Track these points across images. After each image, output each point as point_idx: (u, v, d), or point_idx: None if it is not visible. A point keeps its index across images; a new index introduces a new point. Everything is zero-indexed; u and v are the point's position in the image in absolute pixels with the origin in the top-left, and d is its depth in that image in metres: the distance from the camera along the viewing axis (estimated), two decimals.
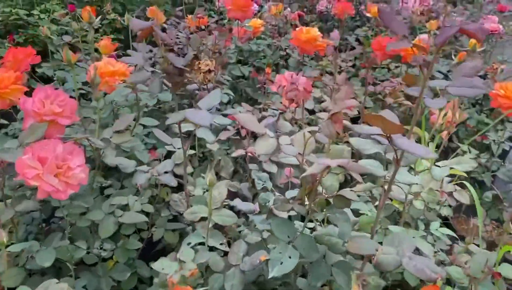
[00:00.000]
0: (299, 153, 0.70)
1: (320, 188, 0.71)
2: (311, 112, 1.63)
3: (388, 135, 0.59)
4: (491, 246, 1.26)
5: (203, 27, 2.09)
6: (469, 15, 2.68)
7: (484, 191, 1.44)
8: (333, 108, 0.62)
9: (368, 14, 2.05)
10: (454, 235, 1.05)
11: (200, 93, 1.25)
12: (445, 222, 1.38)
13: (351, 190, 0.73)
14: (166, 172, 0.85)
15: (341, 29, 2.64)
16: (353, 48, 2.31)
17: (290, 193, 0.76)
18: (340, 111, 0.61)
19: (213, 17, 2.57)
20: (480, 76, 1.86)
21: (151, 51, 0.95)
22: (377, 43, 1.71)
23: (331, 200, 0.72)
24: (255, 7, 2.72)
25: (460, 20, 2.21)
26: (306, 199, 0.72)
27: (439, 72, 1.99)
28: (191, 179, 1.08)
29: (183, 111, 0.73)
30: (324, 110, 1.32)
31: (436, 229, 1.03)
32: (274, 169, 0.88)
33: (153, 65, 1.67)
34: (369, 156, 0.76)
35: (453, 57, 1.68)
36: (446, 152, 1.63)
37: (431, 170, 0.82)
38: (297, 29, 1.65)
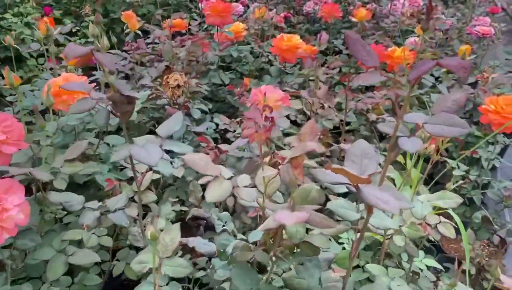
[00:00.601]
0: (261, 192, 0.62)
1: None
2: (294, 122, 1.55)
3: (354, 184, 0.51)
4: (480, 271, 1.19)
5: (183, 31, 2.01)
6: (460, 16, 2.60)
7: (475, 208, 1.37)
8: (293, 151, 0.54)
9: (353, 19, 1.97)
10: (439, 266, 0.97)
11: (168, 109, 1.16)
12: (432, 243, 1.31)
13: (321, 234, 0.65)
14: (119, 209, 0.77)
15: (329, 31, 2.55)
16: (340, 52, 2.23)
17: (255, 236, 0.68)
18: (302, 155, 0.53)
19: (196, 19, 2.48)
20: (470, 84, 1.78)
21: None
22: None
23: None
24: (241, 8, 2.63)
25: (450, 22, 2.13)
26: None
27: (432, 75, 1.91)
28: (155, 207, 0.99)
29: (128, 146, 0.64)
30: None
31: (421, 261, 0.96)
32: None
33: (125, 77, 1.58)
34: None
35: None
36: (434, 166, 1.56)
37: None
38: (278, 36, 1.57)
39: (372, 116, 1.16)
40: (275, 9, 2.46)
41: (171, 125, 0.82)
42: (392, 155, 0.57)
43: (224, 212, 0.72)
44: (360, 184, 0.51)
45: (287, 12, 2.71)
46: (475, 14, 2.57)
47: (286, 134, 1.34)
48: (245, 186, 0.61)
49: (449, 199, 0.75)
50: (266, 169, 0.58)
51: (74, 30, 2.60)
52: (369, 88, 1.83)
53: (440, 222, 0.84)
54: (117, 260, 0.98)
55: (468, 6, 2.86)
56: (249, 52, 1.93)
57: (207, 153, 1.02)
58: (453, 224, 0.85)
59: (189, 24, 2.01)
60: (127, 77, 1.64)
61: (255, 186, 0.63)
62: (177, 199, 1.08)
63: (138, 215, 0.77)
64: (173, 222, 1.04)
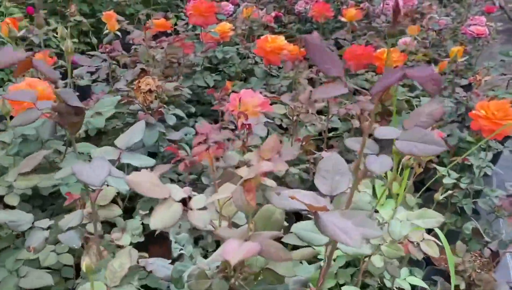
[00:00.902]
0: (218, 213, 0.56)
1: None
2: (280, 126, 1.49)
3: (313, 211, 0.45)
4: (471, 286, 1.13)
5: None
6: (455, 15, 2.54)
7: (467, 218, 1.31)
8: (247, 172, 0.47)
9: (343, 19, 1.90)
10: (425, 285, 0.91)
11: (139, 116, 1.10)
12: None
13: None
14: (72, 228, 0.70)
15: (322, 31, 2.49)
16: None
17: (214, 261, 0.62)
18: (256, 177, 0.47)
19: (184, 19, 2.42)
20: (463, 87, 1.72)
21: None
22: (350, 53, 1.57)
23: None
24: (230, 7, 2.56)
25: (444, 22, 2.07)
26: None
27: None
28: (121, 222, 0.93)
29: (73, 162, 0.58)
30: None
31: (405, 279, 0.90)
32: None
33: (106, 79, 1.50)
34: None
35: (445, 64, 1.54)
36: (424, 171, 1.50)
37: (389, 226, 0.68)
38: (261, 37, 1.51)
39: (357, 123, 1.10)
40: (265, 9, 2.40)
41: (132, 135, 0.76)
42: (360, 174, 0.51)
43: (183, 233, 0.66)
44: (319, 211, 0.45)
45: (278, 12, 2.65)
46: (470, 14, 2.50)
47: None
48: (201, 208, 0.54)
49: (429, 219, 0.68)
50: (222, 190, 0.52)
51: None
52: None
53: (423, 239, 0.78)
54: (81, 278, 0.92)
55: (464, 5, 2.80)
56: (235, 53, 1.86)
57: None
58: (438, 241, 0.79)
59: (176, 24, 1.95)
60: (107, 80, 1.58)
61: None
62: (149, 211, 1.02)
63: (94, 234, 0.71)
64: (146, 236, 0.98)
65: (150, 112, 1.12)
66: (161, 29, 1.86)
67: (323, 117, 1.28)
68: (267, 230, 0.55)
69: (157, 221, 0.50)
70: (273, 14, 2.64)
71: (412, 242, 0.78)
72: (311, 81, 1.69)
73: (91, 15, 2.75)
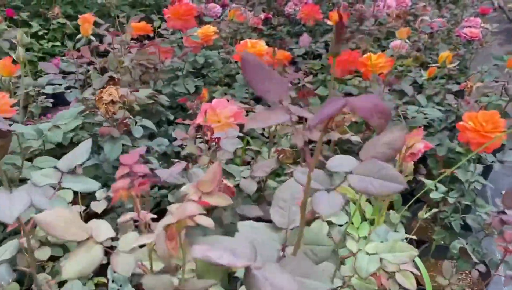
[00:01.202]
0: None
1: None
2: (263, 135, 1.42)
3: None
4: None
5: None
6: (450, 17, 2.47)
7: (456, 234, 1.23)
8: (172, 217, 0.40)
9: (329, 22, 1.83)
10: None
11: (100, 129, 1.02)
12: None
13: None
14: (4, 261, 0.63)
15: (313, 33, 2.42)
16: (318, 56, 2.09)
17: None
18: (181, 221, 0.39)
19: None
20: (456, 93, 1.64)
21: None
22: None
23: None
24: (218, 9, 2.49)
25: (436, 25, 1.99)
26: None
27: (416, 83, 1.77)
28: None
29: None
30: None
31: None
32: None
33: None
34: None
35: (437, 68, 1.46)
36: (414, 181, 1.42)
37: (355, 260, 0.61)
38: (242, 42, 1.43)
39: (335, 135, 1.03)
40: (253, 11, 2.33)
41: (75, 156, 0.69)
42: (309, 215, 0.44)
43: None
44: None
45: (267, 14, 2.57)
46: (466, 15, 2.43)
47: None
48: (127, 251, 0.47)
49: (400, 253, 0.61)
50: (144, 237, 0.44)
51: (41, 33, 2.47)
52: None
53: (399, 270, 0.71)
54: None
55: (459, 6, 2.72)
56: (218, 57, 1.79)
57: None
58: (416, 272, 0.72)
59: (159, 27, 1.88)
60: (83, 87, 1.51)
61: None
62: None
63: (30, 269, 0.64)
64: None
65: (115, 123, 1.05)
66: (141, 33, 1.79)
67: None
68: (208, 276, 0.48)
69: (70, 269, 0.43)
70: (262, 16, 2.57)
71: (387, 273, 0.71)
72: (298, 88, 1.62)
73: (76, 18, 2.67)
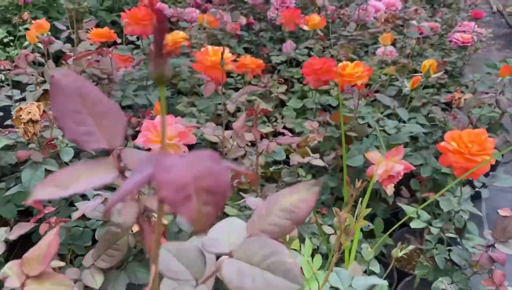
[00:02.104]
0: None
1: None
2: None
3: None
4: None
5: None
6: (442, 21, 2.32)
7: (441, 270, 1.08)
8: None
9: (305, 27, 1.68)
10: None
11: (18, 153, 0.88)
12: None
13: None
14: None
15: (294, 39, 2.27)
16: (297, 64, 1.95)
17: None
18: None
19: None
20: (445, 104, 1.49)
21: None
22: (308, 67, 1.35)
23: None
24: (197, 13, 2.34)
25: (424, 30, 1.84)
26: None
27: (399, 93, 1.63)
28: None
29: None
30: None
31: None
32: None
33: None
34: None
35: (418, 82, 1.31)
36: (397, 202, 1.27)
37: None
38: (202, 49, 1.28)
39: (294, 159, 0.88)
40: (229, 15, 2.18)
41: None
42: None
43: None
44: None
45: (249, 19, 2.43)
46: (459, 19, 2.28)
47: None
48: None
49: None
50: None
51: (6, 40, 2.33)
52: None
53: None
54: None
55: (453, 9, 2.57)
56: (187, 66, 1.65)
57: None
58: None
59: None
60: None
61: None
62: None
63: None
64: None
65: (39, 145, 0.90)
66: (102, 40, 1.65)
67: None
68: None
69: None
70: (244, 21, 2.43)
71: None
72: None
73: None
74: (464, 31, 2.16)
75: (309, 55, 1.98)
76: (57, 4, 2.65)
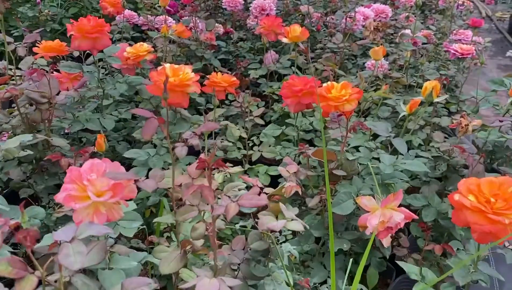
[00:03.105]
0: None
1: None
2: None
3: None
4: None
5: None
6: (436, 29, 2.13)
7: None
8: None
9: (284, 40, 1.47)
10: None
11: None
12: None
13: None
14: None
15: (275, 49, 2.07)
16: (279, 78, 1.74)
17: None
18: None
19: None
20: (447, 133, 1.30)
21: None
22: (287, 88, 1.14)
23: None
24: (170, 22, 2.12)
25: (419, 41, 1.65)
26: None
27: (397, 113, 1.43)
28: None
29: None
30: None
31: None
32: None
33: None
34: None
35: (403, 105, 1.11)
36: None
37: None
38: (159, 68, 1.07)
39: (265, 221, 0.67)
40: (204, 23, 1.97)
41: None
42: None
43: None
44: None
45: (227, 27, 2.22)
46: (455, 27, 2.09)
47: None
48: None
49: None
50: None
51: None
52: None
53: None
54: None
55: (446, 16, 2.39)
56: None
57: None
58: None
59: None
60: None
61: None
62: None
63: None
64: None
65: None
66: (54, 53, 1.42)
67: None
68: None
69: None
70: (221, 30, 2.22)
71: None
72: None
73: (6, 32, 2.30)
74: (460, 40, 1.98)
75: (293, 68, 1.77)
76: (16, 11, 2.41)
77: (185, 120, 1.10)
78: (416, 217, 0.85)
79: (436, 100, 0.99)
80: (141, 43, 1.52)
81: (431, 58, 1.97)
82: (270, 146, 1.23)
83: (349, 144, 1.00)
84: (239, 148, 1.27)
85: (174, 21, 2.21)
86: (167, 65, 1.04)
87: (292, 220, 0.66)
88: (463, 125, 1.02)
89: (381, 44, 1.75)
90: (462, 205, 0.68)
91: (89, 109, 1.33)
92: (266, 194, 0.70)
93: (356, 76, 1.51)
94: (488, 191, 0.68)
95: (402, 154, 0.99)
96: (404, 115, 1.09)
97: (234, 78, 1.34)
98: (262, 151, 1.22)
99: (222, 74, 1.62)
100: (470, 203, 0.67)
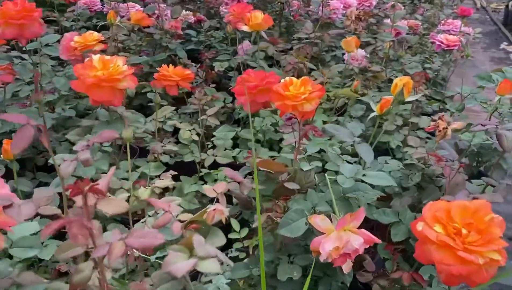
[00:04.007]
0: None
1: None
2: None
3: None
4: None
5: None
6: (424, 18, 1.98)
7: None
8: None
9: (244, 28, 1.31)
10: None
11: None
12: None
13: None
14: None
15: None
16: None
17: None
18: None
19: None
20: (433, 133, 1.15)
21: None
22: (241, 84, 0.99)
23: None
24: (138, 8, 1.96)
25: (400, 30, 1.49)
26: None
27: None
28: None
29: None
30: None
31: None
32: None
33: None
34: None
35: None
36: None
37: None
38: (86, 60, 0.91)
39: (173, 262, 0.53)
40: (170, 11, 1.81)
41: None
42: None
43: None
44: None
45: (198, 15, 2.05)
46: (442, 16, 1.94)
47: None
48: None
49: None
50: None
51: None
52: None
53: None
54: None
55: (435, 5, 2.23)
56: None
57: None
58: None
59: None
60: None
61: None
62: None
63: None
64: None
65: None
66: None
67: None
68: None
69: None
70: (192, 18, 2.06)
71: None
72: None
73: None
74: (448, 31, 1.83)
75: (261, 60, 1.61)
76: None
77: (122, 121, 0.95)
78: (378, 241, 0.71)
79: (408, 99, 0.84)
80: (91, 31, 1.36)
81: (417, 50, 1.82)
82: (225, 149, 1.08)
83: (305, 151, 0.85)
84: (192, 152, 1.12)
85: (142, 9, 2.04)
86: (95, 57, 0.88)
87: (207, 258, 0.51)
88: (441, 129, 0.87)
89: (360, 35, 1.61)
90: (426, 238, 0.53)
91: (35, 105, 1.18)
92: (181, 222, 0.56)
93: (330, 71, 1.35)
94: (460, 219, 0.54)
95: (369, 166, 0.84)
96: (375, 116, 0.94)
97: (189, 72, 1.18)
98: (216, 156, 1.07)
99: (185, 66, 1.47)
100: (436, 236, 0.52)
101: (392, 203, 0.92)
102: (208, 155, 1.09)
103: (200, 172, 1.12)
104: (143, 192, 0.74)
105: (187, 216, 0.58)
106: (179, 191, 1.06)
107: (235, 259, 0.87)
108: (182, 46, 1.88)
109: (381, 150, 1.20)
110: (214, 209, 0.56)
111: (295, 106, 0.89)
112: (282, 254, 0.80)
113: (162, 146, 0.94)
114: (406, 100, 0.83)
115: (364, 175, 0.78)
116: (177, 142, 1.15)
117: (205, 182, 1.10)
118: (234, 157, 1.09)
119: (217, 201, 0.61)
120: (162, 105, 1.15)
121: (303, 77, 0.92)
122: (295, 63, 1.18)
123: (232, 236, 0.92)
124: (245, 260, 0.87)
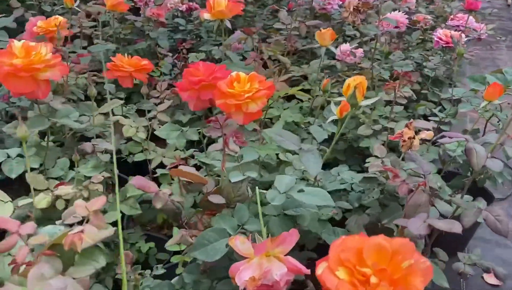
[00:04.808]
0: None
1: None
2: None
3: None
4: None
5: None
6: (426, 12, 1.81)
7: None
8: None
9: (206, 16, 1.18)
10: None
11: None
12: None
13: None
14: None
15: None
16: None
17: None
18: None
19: None
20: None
21: None
22: (185, 79, 0.88)
23: None
24: None
25: (388, 24, 1.35)
26: None
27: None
28: None
29: None
30: None
31: None
32: None
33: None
34: None
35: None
36: None
37: None
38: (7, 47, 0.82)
39: None
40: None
41: None
42: None
43: None
44: None
45: (189, 3, 1.94)
46: (449, 10, 1.78)
47: None
48: None
49: None
50: None
51: None
52: None
53: None
54: None
55: None
56: None
57: None
58: None
59: None
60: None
61: None
62: None
63: None
64: None
65: None
66: None
67: None
68: None
69: None
70: (183, 6, 1.95)
71: None
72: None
73: None
74: (458, 26, 1.67)
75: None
76: None
77: (54, 114, 0.86)
78: (307, 272, 0.59)
79: (363, 103, 0.71)
80: (56, 16, 1.28)
81: (418, 47, 1.67)
82: (176, 149, 0.98)
83: (241, 158, 0.73)
84: (142, 151, 1.02)
85: None
86: (17, 43, 0.79)
87: None
88: (405, 139, 0.75)
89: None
90: (325, 285, 0.42)
91: None
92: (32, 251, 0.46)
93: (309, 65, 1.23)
94: (373, 263, 0.42)
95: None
96: (334, 119, 0.81)
97: (145, 62, 1.08)
98: (164, 156, 0.96)
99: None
100: (337, 285, 0.41)
101: (347, 222, 0.80)
102: (157, 154, 0.99)
103: (154, 173, 1.02)
104: (41, 201, 0.64)
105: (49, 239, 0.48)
106: (122, 194, 0.96)
107: (162, 277, 0.77)
108: (169, 35, 1.78)
109: (367, 154, 1.07)
110: (76, 233, 0.46)
111: (238, 106, 0.78)
112: (205, 277, 0.70)
113: (94, 144, 0.84)
114: (360, 104, 0.71)
115: (301, 190, 0.66)
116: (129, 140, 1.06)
117: (160, 185, 1.01)
118: (185, 159, 0.98)
119: (87, 221, 0.51)
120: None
121: (251, 73, 0.81)
122: (256, 56, 1.06)
123: (172, 248, 0.82)
124: (173, 280, 0.77)
